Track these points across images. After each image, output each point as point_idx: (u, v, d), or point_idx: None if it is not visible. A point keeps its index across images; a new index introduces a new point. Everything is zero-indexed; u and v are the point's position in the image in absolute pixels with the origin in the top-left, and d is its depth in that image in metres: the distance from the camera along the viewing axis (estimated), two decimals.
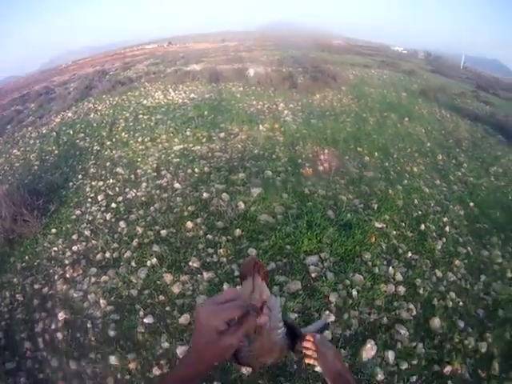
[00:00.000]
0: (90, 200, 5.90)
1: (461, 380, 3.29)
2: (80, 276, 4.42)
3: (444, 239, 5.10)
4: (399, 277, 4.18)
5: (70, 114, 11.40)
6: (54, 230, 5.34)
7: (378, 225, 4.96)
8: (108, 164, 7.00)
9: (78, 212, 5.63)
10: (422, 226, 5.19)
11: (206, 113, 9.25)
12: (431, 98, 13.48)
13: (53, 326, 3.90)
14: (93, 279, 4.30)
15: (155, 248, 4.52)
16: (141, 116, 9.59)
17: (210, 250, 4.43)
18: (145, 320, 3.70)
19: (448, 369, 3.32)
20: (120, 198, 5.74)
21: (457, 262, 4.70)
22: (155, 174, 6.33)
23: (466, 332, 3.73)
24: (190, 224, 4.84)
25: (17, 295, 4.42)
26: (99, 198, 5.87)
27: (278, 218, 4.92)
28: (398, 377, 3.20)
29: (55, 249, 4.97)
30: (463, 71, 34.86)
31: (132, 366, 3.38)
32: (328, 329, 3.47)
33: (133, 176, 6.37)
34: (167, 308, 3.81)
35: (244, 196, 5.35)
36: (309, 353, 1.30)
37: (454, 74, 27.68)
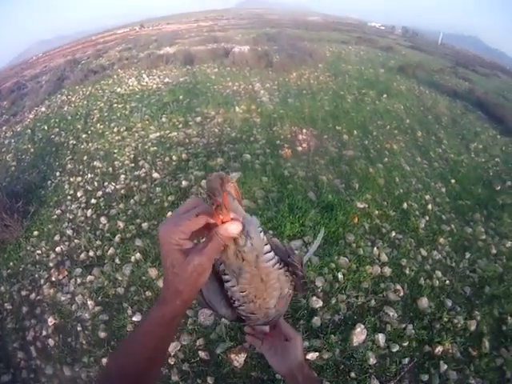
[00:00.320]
0: (69, 197, 5.66)
1: (452, 359, 3.25)
2: (66, 278, 4.25)
3: (427, 217, 5.06)
4: (384, 257, 4.11)
5: (43, 109, 10.95)
6: (35, 233, 5.11)
7: (360, 205, 4.87)
8: (85, 158, 6.72)
9: (58, 211, 5.40)
10: (405, 205, 5.13)
11: (181, 97, 9.00)
12: (409, 75, 13.44)
13: (44, 333, 3.74)
14: (78, 280, 4.13)
15: (138, 242, 4.36)
16: (115, 105, 9.28)
17: None
18: (133, 318, 3.58)
19: (439, 349, 3.28)
20: (99, 193, 5.51)
21: (441, 240, 4.67)
22: (133, 164, 6.10)
23: (455, 311, 3.70)
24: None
25: (5, 304, 4.22)
26: (78, 194, 5.64)
27: (258, 202, 4.78)
28: (389, 360, 3.14)
29: (39, 252, 4.75)
30: (441, 48, 35.02)
31: None
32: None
33: (111, 169, 6.13)
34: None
35: None
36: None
37: (432, 50, 27.70)
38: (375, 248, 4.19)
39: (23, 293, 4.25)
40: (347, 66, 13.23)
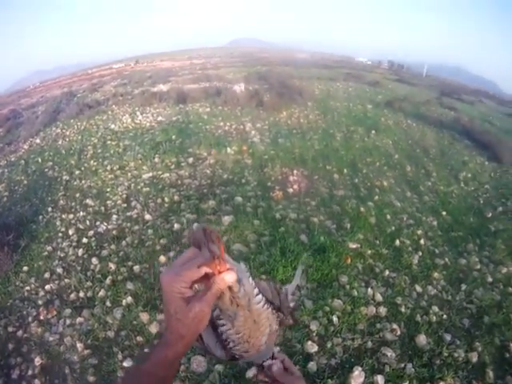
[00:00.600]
0: (60, 235, 5.67)
1: None
2: (54, 318, 4.19)
3: (420, 253, 5.08)
4: (379, 297, 4.10)
5: (38, 141, 11.14)
6: (25, 268, 5.07)
7: (353, 245, 4.90)
8: (78, 195, 6.78)
9: (49, 248, 5.40)
10: (397, 242, 5.16)
11: (173, 137, 9.14)
12: (396, 109, 13.71)
13: (30, 372, 3.65)
14: (68, 321, 4.08)
15: (129, 286, 4.35)
16: (109, 142, 9.41)
17: None
18: (124, 363, 3.51)
19: None
20: (91, 232, 5.53)
21: (435, 275, 4.67)
22: (125, 205, 6.16)
23: (454, 344, 3.66)
24: (162, 258, 4.68)
25: None
26: (70, 232, 5.65)
27: (250, 246, 4.81)
28: None
29: (28, 288, 4.71)
30: (426, 79, 35.79)
31: None
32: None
33: (103, 208, 6.19)
34: (146, 349, 3.62)
35: (215, 225, 5.21)
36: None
37: (417, 82, 28.37)
38: (369, 288, 4.18)
39: (10, 329, 4.18)
40: (336, 104, 13.49)
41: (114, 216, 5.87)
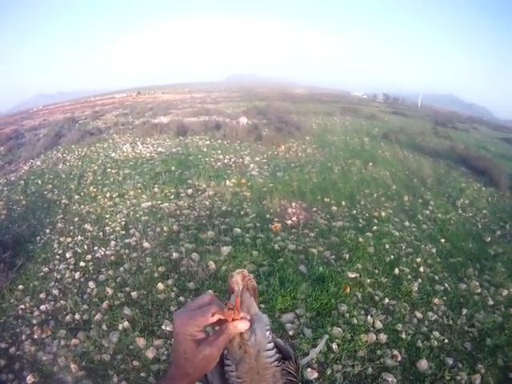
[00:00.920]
0: (58, 257, 5.71)
1: None
2: (49, 338, 4.16)
3: (419, 280, 5.09)
4: (379, 324, 4.11)
5: (38, 163, 11.28)
6: (21, 287, 5.08)
7: (352, 275, 4.93)
8: (76, 219, 6.86)
9: (45, 269, 5.42)
10: (396, 270, 5.18)
11: (173, 168, 9.29)
12: (393, 140, 13.98)
13: None
14: (62, 342, 4.05)
15: (126, 311, 4.36)
16: (109, 170, 9.57)
17: None
18: None
19: None
20: (89, 257, 5.59)
21: (436, 301, 4.66)
22: (124, 232, 6.23)
23: (457, 368, 3.64)
24: (160, 285, 4.72)
25: None
26: (67, 255, 5.70)
27: None
28: None
29: (22, 307, 4.69)
30: (421, 109, 36.37)
31: None
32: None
33: (101, 233, 6.26)
34: (142, 374, 3.60)
35: (214, 255, 5.28)
36: None
37: (412, 113, 28.88)
38: (369, 316, 4.19)
39: (2, 345, 4.14)
40: (333, 137, 13.78)
41: (113, 242, 5.94)
